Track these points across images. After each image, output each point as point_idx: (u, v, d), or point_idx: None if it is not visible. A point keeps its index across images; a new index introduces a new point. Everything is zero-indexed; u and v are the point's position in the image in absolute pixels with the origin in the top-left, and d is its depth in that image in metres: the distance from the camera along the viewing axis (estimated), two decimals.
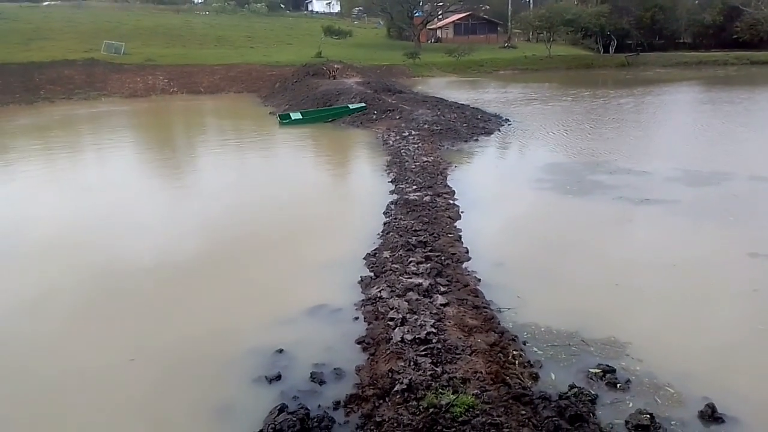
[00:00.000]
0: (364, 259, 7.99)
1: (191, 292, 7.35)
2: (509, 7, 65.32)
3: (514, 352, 5.41)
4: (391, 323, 5.86)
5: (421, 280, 6.84)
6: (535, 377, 5.13)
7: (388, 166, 14.01)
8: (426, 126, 18.73)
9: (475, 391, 4.59)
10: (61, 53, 39.91)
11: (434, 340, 5.42)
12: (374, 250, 8.26)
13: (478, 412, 4.30)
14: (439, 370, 4.92)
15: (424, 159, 14.15)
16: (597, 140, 17.54)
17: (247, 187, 13.17)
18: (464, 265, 7.72)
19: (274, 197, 12.14)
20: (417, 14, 61.93)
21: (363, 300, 6.74)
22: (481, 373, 4.89)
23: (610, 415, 4.61)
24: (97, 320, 6.69)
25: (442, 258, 7.67)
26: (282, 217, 10.63)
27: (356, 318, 6.36)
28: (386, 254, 7.91)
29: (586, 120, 21.80)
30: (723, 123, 20.01)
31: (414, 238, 8.36)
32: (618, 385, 4.97)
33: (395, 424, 4.26)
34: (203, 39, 51.98)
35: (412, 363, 5.04)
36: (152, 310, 6.90)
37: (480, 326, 5.85)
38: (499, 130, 19.56)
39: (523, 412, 4.40)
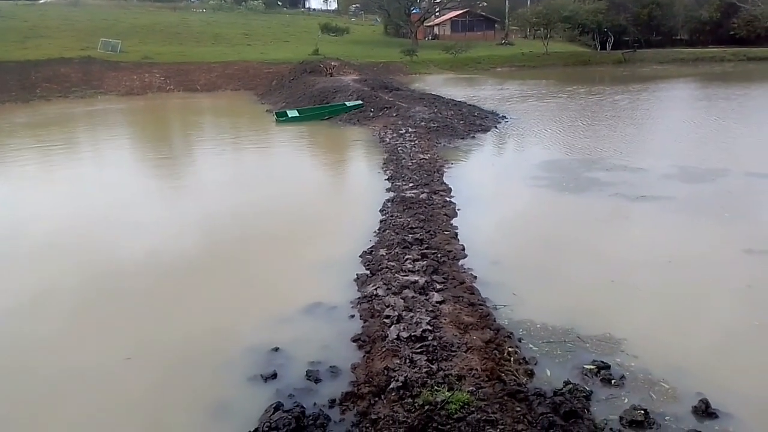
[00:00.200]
0: (360, 256, 8.00)
1: (187, 291, 7.36)
2: (506, 4, 65.23)
3: (510, 349, 5.43)
4: (386, 321, 5.87)
5: (417, 278, 6.85)
6: (531, 374, 5.15)
7: (384, 163, 14.01)
8: (423, 123, 18.73)
9: (471, 388, 4.61)
10: (57, 51, 39.84)
11: (430, 338, 5.43)
12: (370, 247, 8.27)
13: (473, 409, 4.32)
14: (434, 367, 4.94)
15: (421, 156, 14.15)
16: (593, 137, 17.57)
17: (243, 186, 13.16)
18: (460, 262, 7.73)
19: (270, 195, 12.14)
20: (414, 11, 61.83)
21: (359, 298, 6.74)
22: (477, 370, 4.91)
23: (605, 411, 4.63)
24: (93, 319, 6.69)
25: (439, 255, 7.68)
26: (278, 215, 10.63)
27: (352, 316, 6.37)
28: (382, 252, 7.92)
29: (582, 117, 21.84)
30: (718, 119, 20.05)
31: (410, 235, 8.37)
32: (612, 381, 5.00)
33: (391, 422, 4.27)
34: (200, 36, 51.89)
35: (407, 360, 5.06)
36: (148, 309, 6.90)
37: (476, 323, 5.87)
38: (495, 127, 19.57)
39: (518, 409, 4.41)
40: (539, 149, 16.16)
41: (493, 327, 5.85)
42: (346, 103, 23.28)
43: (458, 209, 10.18)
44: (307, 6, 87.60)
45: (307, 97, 26.63)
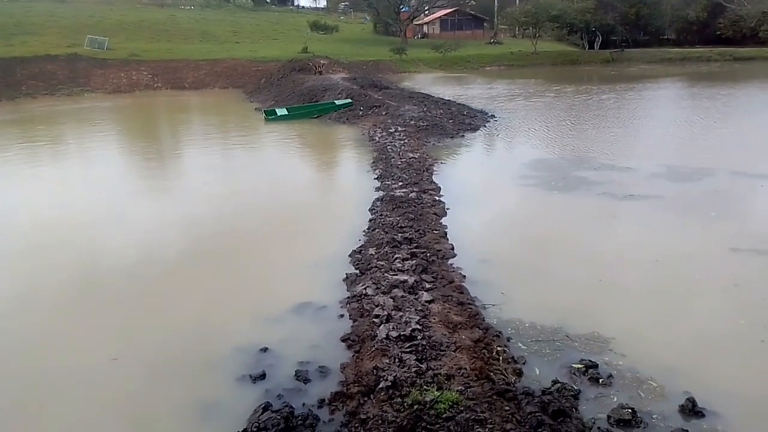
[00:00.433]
0: (349, 256, 7.98)
1: (174, 291, 7.31)
2: (495, 3, 65.42)
3: (498, 349, 5.44)
4: (376, 320, 5.86)
5: (406, 277, 6.85)
6: (519, 373, 5.16)
7: (374, 162, 14.00)
8: (412, 122, 18.74)
9: (460, 387, 4.61)
10: (43, 48, 39.49)
11: (419, 337, 5.43)
12: (360, 246, 8.25)
13: (462, 408, 4.33)
14: (423, 366, 4.94)
15: (410, 155, 14.16)
16: (580, 136, 17.66)
17: (231, 185, 13.09)
18: (450, 261, 7.74)
19: (258, 194, 12.09)
20: (403, 9, 61.87)
21: (348, 297, 6.73)
22: (466, 369, 4.92)
23: (593, 410, 4.65)
24: (78, 319, 6.62)
25: (428, 255, 7.69)
26: (266, 215, 10.59)
27: (341, 315, 6.36)
28: (372, 251, 7.91)
29: (570, 116, 21.94)
30: (703, 119, 20.19)
31: (400, 234, 8.37)
32: (600, 380, 5.02)
33: (380, 422, 4.27)
34: (188, 34, 51.64)
35: (396, 360, 5.05)
36: (135, 308, 6.84)
37: (465, 323, 5.88)
38: (484, 126, 19.62)
39: (507, 408, 4.42)
40: (528, 148, 16.22)
41: (482, 326, 5.86)
42: (336, 101, 23.24)
43: (447, 208, 10.19)
44: (296, 4, 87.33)
45: (296, 95, 26.55)
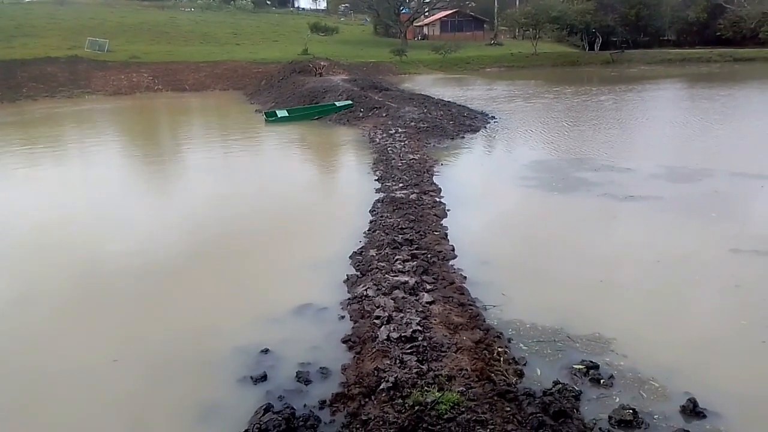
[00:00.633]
0: (350, 257, 7.99)
1: (175, 292, 7.32)
2: (495, 4, 65.48)
3: (499, 349, 5.44)
4: (377, 321, 5.86)
5: (407, 278, 6.84)
6: (520, 374, 5.16)
7: (374, 163, 14.01)
8: (412, 123, 18.75)
9: (461, 388, 4.61)
10: (43, 50, 39.52)
11: (420, 338, 5.43)
12: (360, 248, 8.26)
13: (463, 409, 4.33)
14: (424, 367, 4.94)
15: (411, 157, 14.16)
16: (580, 137, 17.67)
17: (231, 186, 13.11)
18: (450, 262, 7.74)
19: (259, 196, 12.10)
20: (404, 11, 61.95)
21: (349, 299, 6.73)
22: (467, 370, 4.92)
23: (594, 411, 4.65)
24: (80, 320, 6.63)
25: (429, 256, 7.69)
26: (267, 216, 10.60)
27: (342, 317, 6.36)
28: (372, 252, 7.91)
29: (571, 117, 21.95)
30: (701, 120, 20.17)
31: (400, 236, 8.37)
32: (602, 381, 5.02)
33: (381, 423, 4.27)
34: (188, 36, 51.68)
35: (397, 361, 5.05)
36: (136, 309, 6.85)
37: (465, 324, 5.88)
38: (485, 127, 19.63)
39: (508, 409, 4.42)
40: (528, 149, 16.23)
41: (483, 327, 5.86)
42: (336, 103, 23.25)
43: (448, 209, 10.19)
44: (296, 5, 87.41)
45: (297, 97, 26.57)
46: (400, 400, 4.49)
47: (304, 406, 4.77)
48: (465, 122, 19.96)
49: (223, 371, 5.40)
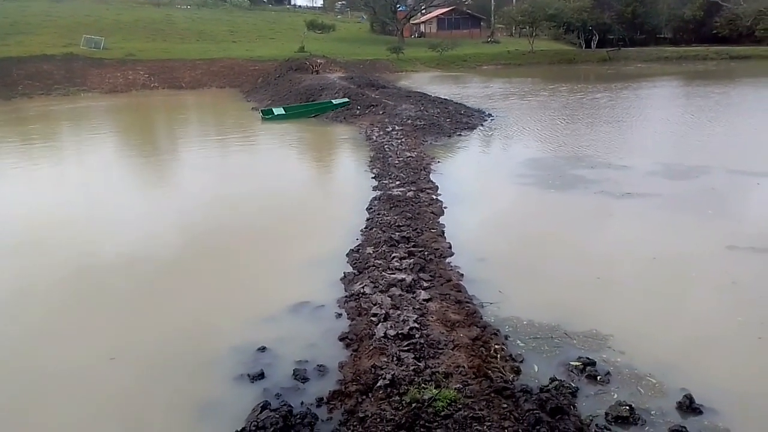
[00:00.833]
0: (347, 255, 7.98)
1: (172, 291, 7.30)
2: (492, 2, 65.44)
3: (496, 346, 5.44)
4: (374, 319, 5.86)
5: (404, 276, 6.85)
6: (517, 371, 5.17)
7: (371, 161, 13.99)
8: (409, 121, 18.74)
9: (458, 385, 4.62)
10: (39, 48, 39.33)
11: (417, 336, 5.43)
12: (357, 246, 8.25)
13: (460, 406, 4.33)
14: (421, 365, 4.94)
15: (408, 154, 14.16)
16: (577, 135, 17.66)
17: (228, 184, 13.08)
18: (447, 260, 7.75)
19: (256, 194, 12.07)
20: (400, 8, 61.88)
21: (346, 296, 6.73)
22: (464, 367, 4.92)
23: (591, 407, 4.66)
24: (75, 318, 6.62)
25: (425, 253, 7.69)
26: (264, 214, 10.58)
27: (339, 314, 6.36)
28: (369, 250, 7.90)
29: (567, 115, 21.94)
30: (698, 118, 20.15)
31: (397, 233, 8.37)
32: (598, 378, 5.03)
33: (378, 420, 4.27)
34: (184, 33, 51.52)
35: (394, 358, 5.06)
36: (133, 308, 6.84)
37: (462, 321, 5.88)
38: (481, 125, 19.63)
39: (505, 406, 4.43)
40: (524, 147, 16.23)
41: (480, 324, 5.86)
42: (333, 100, 23.22)
43: (445, 207, 10.19)
44: (292, 3, 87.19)
45: (294, 94, 26.53)
46: (397, 398, 4.50)
47: (302, 403, 4.77)
48: (462, 120, 19.95)
49: (220, 369, 5.40)
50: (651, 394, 4.83)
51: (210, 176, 13.94)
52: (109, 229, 9.76)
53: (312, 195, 12.36)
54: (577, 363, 5.22)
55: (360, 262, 7.60)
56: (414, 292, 6.45)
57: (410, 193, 10.63)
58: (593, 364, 5.20)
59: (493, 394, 4.54)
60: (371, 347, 5.33)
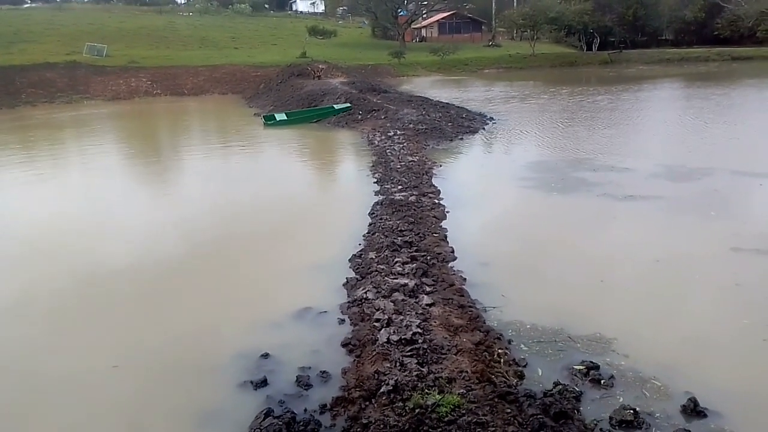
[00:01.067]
0: (349, 260, 7.98)
1: (175, 297, 7.31)
2: (493, 5, 65.52)
3: (500, 351, 5.43)
4: (376, 324, 5.85)
5: (406, 281, 6.84)
6: (521, 375, 5.15)
7: (373, 166, 14.00)
8: (411, 125, 18.75)
9: (461, 390, 4.61)
10: (42, 56, 39.53)
11: (420, 341, 5.42)
12: (360, 251, 8.25)
13: (463, 411, 4.32)
14: (425, 370, 4.93)
15: (410, 159, 14.16)
16: (579, 138, 17.63)
17: (231, 190, 13.10)
18: (450, 264, 7.73)
19: (258, 199, 12.10)
20: (402, 13, 61.96)
21: (348, 302, 6.72)
22: (467, 372, 4.91)
23: (595, 411, 4.64)
24: (79, 325, 6.63)
25: (428, 258, 7.68)
26: (266, 220, 10.59)
27: (342, 320, 6.35)
28: (372, 255, 7.90)
29: (570, 117, 21.93)
30: (699, 119, 20.10)
31: (399, 238, 8.37)
32: (602, 381, 5.01)
33: (381, 426, 4.26)
34: (187, 40, 51.69)
35: (398, 364, 5.04)
36: (135, 314, 6.84)
37: (465, 325, 5.87)
38: (483, 128, 19.63)
39: (509, 411, 4.41)
40: (526, 150, 16.23)
41: (483, 329, 5.85)
42: (335, 105, 23.25)
43: (447, 211, 10.19)
44: (294, 9, 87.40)
45: (295, 100, 26.60)
46: (400, 403, 4.49)
47: (305, 410, 4.76)
48: (463, 123, 19.96)
49: (223, 376, 5.39)
50: (655, 398, 4.81)
51: (213, 182, 13.97)
52: (112, 235, 9.78)
53: (314, 200, 12.37)
54: (581, 367, 5.21)
55: (362, 268, 7.59)
56: (417, 297, 6.44)
57: (412, 198, 10.64)
58: (597, 367, 5.18)
59: (496, 399, 4.53)
60: (374, 353, 5.32)
